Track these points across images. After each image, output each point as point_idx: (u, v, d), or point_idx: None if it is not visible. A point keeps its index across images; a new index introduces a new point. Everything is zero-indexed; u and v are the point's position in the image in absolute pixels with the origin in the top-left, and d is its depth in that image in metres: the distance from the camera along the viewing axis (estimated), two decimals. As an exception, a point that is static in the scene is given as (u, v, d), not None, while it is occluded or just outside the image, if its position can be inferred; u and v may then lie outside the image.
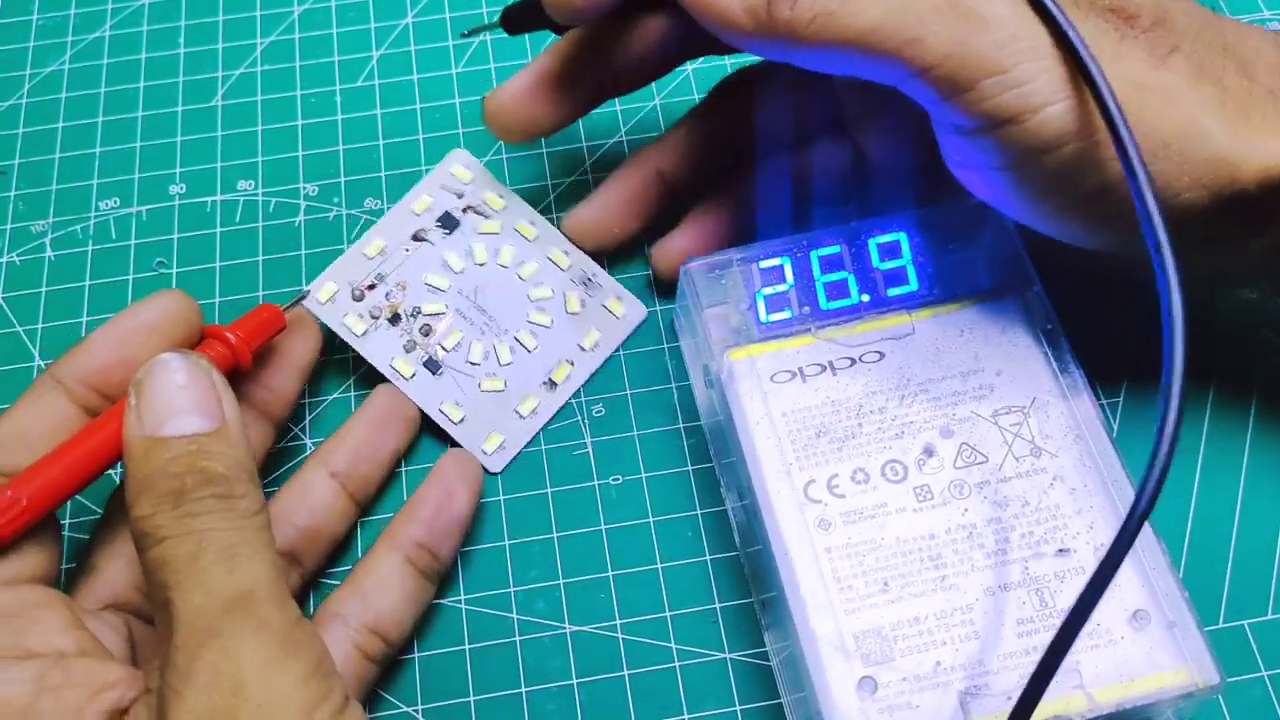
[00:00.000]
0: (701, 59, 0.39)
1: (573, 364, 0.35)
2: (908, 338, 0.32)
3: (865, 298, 0.32)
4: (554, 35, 0.34)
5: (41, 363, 0.36)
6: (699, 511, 0.33)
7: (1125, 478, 0.29)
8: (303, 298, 0.34)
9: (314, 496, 0.32)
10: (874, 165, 0.35)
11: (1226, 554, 0.32)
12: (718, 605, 0.32)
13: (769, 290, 0.32)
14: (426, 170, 0.40)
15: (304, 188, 0.40)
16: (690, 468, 0.34)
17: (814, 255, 0.33)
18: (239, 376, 0.31)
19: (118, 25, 0.44)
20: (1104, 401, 0.35)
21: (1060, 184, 0.28)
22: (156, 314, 0.29)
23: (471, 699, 0.31)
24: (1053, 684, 0.27)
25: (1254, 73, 0.28)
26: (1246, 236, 0.29)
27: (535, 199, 0.38)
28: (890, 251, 0.33)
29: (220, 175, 0.40)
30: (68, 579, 0.30)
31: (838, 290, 0.32)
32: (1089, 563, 0.29)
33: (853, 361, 0.32)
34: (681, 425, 0.35)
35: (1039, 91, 0.27)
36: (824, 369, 0.32)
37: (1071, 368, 0.31)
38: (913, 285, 0.33)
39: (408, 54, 0.43)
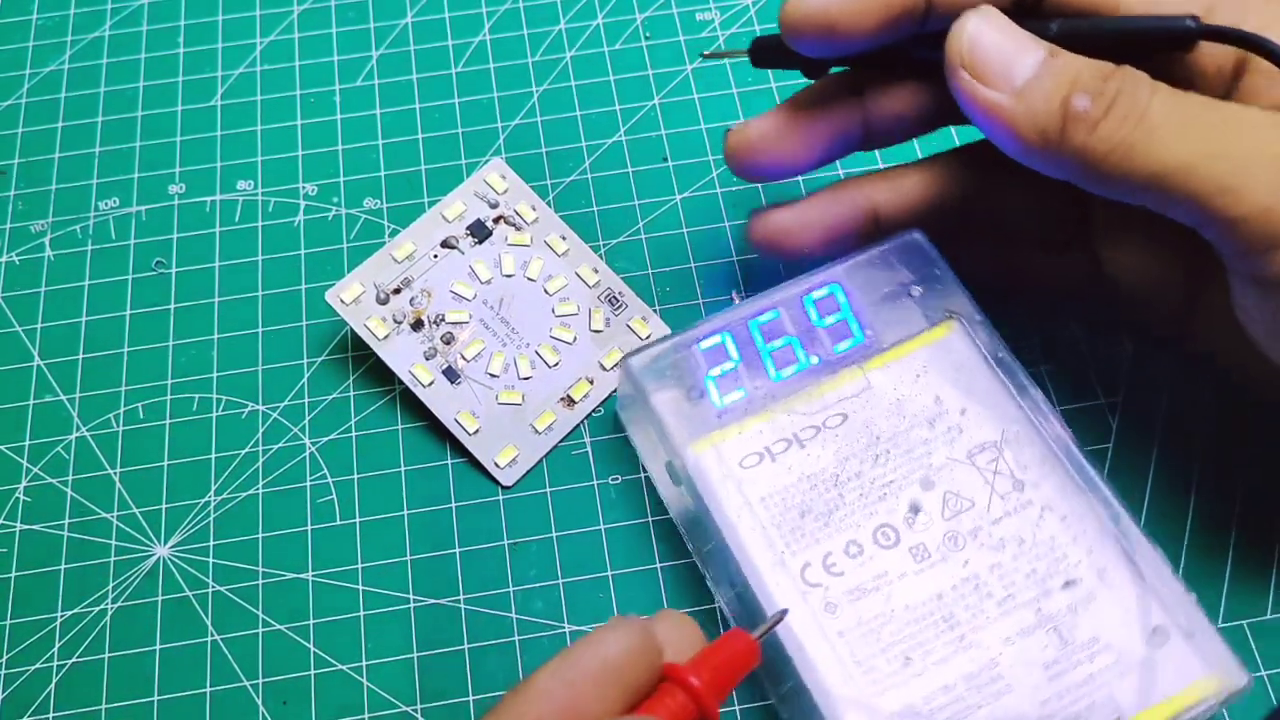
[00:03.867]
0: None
1: (592, 382, 0.35)
2: (866, 393, 0.31)
3: (814, 359, 0.31)
4: (803, 78, 0.32)
5: (41, 362, 0.36)
6: (698, 511, 0.33)
7: (1103, 485, 0.29)
8: (781, 618, 0.26)
9: None
10: (1114, 283, 0.32)
11: (1226, 554, 0.32)
12: (717, 605, 0.32)
13: (716, 371, 0.31)
14: (426, 170, 0.40)
15: (303, 187, 0.40)
16: (689, 467, 0.34)
17: (753, 325, 0.31)
18: None
19: (117, 25, 0.44)
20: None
21: None
22: (619, 652, 0.23)
23: (470, 699, 0.31)
24: (1091, 719, 0.26)
25: None
26: None
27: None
28: (828, 306, 0.31)
29: (219, 175, 0.40)
30: None
31: (785, 358, 0.31)
32: (1096, 588, 0.28)
33: (817, 430, 0.30)
34: (681, 425, 0.35)
35: None
36: (790, 443, 0.30)
37: (1030, 391, 0.30)
38: (858, 337, 0.31)
39: (407, 54, 0.43)
